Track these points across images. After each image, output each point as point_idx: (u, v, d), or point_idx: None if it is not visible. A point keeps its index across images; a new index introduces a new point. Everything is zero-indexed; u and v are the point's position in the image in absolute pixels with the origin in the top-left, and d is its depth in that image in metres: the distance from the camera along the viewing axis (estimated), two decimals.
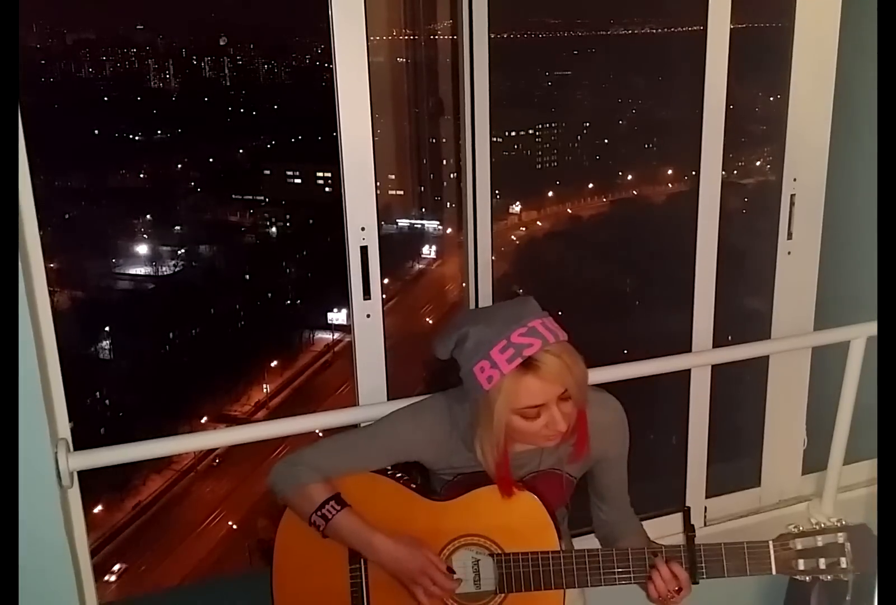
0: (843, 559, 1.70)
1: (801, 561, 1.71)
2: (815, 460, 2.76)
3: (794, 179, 2.56)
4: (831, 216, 2.60)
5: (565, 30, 6.13)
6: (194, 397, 6.93)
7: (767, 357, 2.70)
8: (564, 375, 1.60)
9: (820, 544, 1.71)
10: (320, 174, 7.20)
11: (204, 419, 6.94)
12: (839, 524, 1.73)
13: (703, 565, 1.72)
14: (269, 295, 7.33)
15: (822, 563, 1.71)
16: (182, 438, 2.24)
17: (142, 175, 7.09)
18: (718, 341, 2.60)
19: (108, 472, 1.96)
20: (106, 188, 6.99)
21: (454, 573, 1.75)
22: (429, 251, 7.17)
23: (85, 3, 6.76)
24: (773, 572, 1.72)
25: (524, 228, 6.75)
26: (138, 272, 6.94)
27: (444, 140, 5.04)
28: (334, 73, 2.03)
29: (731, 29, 2.38)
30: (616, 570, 1.73)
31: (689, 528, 1.75)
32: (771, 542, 1.73)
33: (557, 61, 6.19)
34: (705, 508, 2.73)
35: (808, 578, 1.73)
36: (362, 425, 2.02)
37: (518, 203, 6.77)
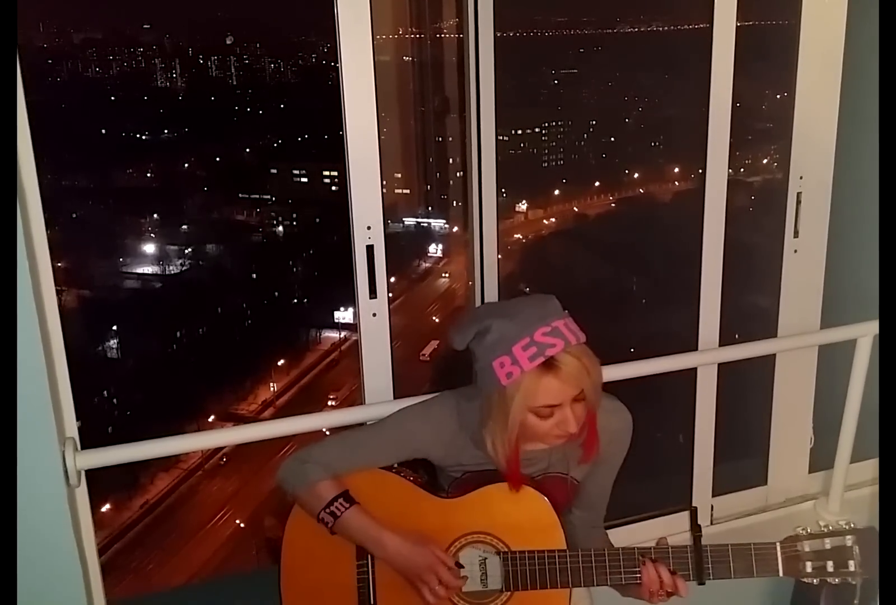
0: (851, 562, 1.68)
1: (808, 563, 1.69)
2: (821, 459, 2.76)
3: (801, 177, 2.55)
4: (838, 214, 2.60)
5: (571, 28, 6.12)
6: (201, 395, 6.94)
7: (774, 356, 2.69)
8: (582, 377, 1.61)
9: (828, 546, 1.69)
10: (326, 173, 7.20)
11: (211, 418, 6.95)
12: (848, 527, 1.70)
13: (710, 566, 1.71)
14: (276, 294, 7.34)
15: (830, 566, 1.68)
16: (189, 437, 2.24)
17: (149, 174, 7.10)
18: (725, 340, 2.59)
19: (116, 471, 1.96)
20: (113, 187, 7.00)
21: (462, 566, 1.76)
22: (435, 250, 7.17)
23: (92, 3, 6.78)
24: (780, 574, 1.70)
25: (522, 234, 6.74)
26: (145, 271, 6.95)
27: (450, 139, 5.04)
28: (340, 72, 2.03)
29: (737, 26, 2.37)
30: (623, 570, 1.73)
31: (696, 528, 1.75)
32: (778, 544, 1.70)
33: (563, 59, 6.18)
34: (712, 506, 2.72)
35: (815, 580, 1.70)
36: (368, 423, 2.02)
37: (524, 201, 6.76)
